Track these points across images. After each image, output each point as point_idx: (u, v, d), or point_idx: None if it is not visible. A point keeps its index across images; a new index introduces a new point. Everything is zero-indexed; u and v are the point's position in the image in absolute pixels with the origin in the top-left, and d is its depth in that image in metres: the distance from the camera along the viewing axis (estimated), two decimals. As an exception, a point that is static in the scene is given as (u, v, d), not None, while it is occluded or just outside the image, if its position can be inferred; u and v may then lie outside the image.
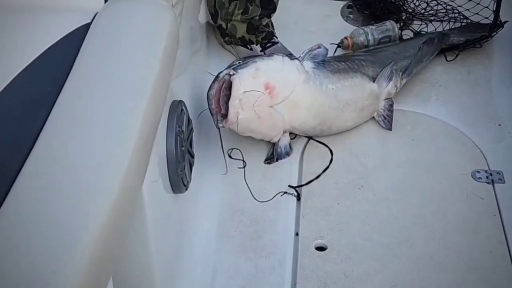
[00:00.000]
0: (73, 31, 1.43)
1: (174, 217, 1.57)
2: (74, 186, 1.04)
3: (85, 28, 1.43)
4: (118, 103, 1.22)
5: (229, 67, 1.79)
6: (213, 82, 1.76)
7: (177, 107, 1.54)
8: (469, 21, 2.32)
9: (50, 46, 1.38)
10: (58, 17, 1.50)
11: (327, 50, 1.92)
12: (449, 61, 2.20)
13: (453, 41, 2.20)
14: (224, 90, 1.74)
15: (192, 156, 1.64)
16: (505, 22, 2.20)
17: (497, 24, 2.16)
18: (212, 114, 1.76)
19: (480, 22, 2.27)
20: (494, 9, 2.13)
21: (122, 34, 1.39)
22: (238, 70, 1.75)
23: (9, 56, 1.38)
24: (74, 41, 1.39)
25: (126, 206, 1.11)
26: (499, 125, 1.98)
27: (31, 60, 1.34)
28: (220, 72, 1.77)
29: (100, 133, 1.15)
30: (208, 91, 1.75)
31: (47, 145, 1.11)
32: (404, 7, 2.41)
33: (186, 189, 1.58)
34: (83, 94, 1.24)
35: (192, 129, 1.65)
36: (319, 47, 1.91)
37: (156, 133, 1.38)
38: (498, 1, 2.10)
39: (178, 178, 1.51)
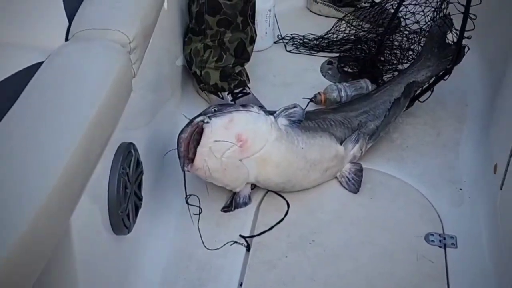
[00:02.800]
0: (27, 67, 1.47)
1: (113, 258, 1.58)
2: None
3: (38, 66, 1.47)
4: (49, 139, 1.25)
5: (204, 113, 1.81)
6: (186, 125, 1.77)
7: (125, 149, 1.57)
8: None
9: (2, 80, 1.43)
10: (17, 52, 1.54)
11: (303, 110, 1.92)
12: (422, 101, 2.21)
13: (419, 79, 2.17)
14: (195, 134, 1.76)
15: (140, 199, 1.65)
16: (465, 48, 2.14)
17: (460, 51, 2.12)
18: (179, 157, 1.77)
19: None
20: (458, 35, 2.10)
21: (68, 75, 1.43)
22: (212, 119, 1.77)
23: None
24: (24, 78, 1.42)
25: (42, 237, 1.12)
26: (460, 189, 1.98)
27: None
28: (195, 117, 1.78)
29: (26, 165, 1.18)
30: (180, 134, 1.76)
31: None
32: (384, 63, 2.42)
33: (129, 231, 1.59)
34: (17, 127, 1.27)
35: (142, 171, 1.67)
36: (295, 107, 1.91)
37: (99, 173, 1.41)
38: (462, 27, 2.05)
39: (119, 219, 1.52)
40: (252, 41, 2.21)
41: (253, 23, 2.20)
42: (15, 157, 1.20)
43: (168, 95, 2.13)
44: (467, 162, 2.08)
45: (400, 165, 2.06)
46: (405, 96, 2.10)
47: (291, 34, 2.61)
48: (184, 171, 1.78)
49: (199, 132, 1.76)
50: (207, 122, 1.76)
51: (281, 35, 2.60)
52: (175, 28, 2.21)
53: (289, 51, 2.56)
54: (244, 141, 1.77)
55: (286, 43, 2.58)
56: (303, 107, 1.99)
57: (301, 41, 2.59)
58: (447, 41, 2.18)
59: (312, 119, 1.98)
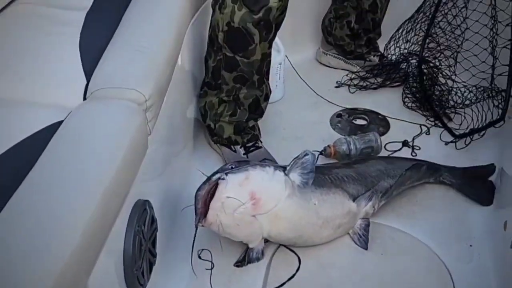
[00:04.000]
0: (46, 127, 1.50)
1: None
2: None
3: (58, 125, 1.50)
4: (68, 199, 1.27)
5: (221, 170, 1.83)
6: (204, 183, 1.79)
7: (140, 207, 1.59)
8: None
9: (21, 141, 1.46)
10: (37, 111, 1.58)
11: (314, 156, 1.92)
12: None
13: (443, 180, 2.20)
14: (212, 192, 1.77)
15: (154, 256, 1.67)
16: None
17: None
18: (196, 214, 1.78)
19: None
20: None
21: (87, 135, 1.46)
22: (229, 175, 1.79)
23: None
24: (45, 137, 1.45)
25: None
26: (470, 245, 1.99)
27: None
28: (212, 175, 1.80)
29: (45, 225, 1.20)
30: (197, 191, 1.77)
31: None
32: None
33: (143, 288, 1.61)
34: (38, 187, 1.29)
35: (156, 228, 1.69)
36: (306, 154, 1.91)
37: (115, 231, 1.43)
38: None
39: (134, 276, 1.53)
40: (267, 98, 2.25)
41: (268, 79, 2.23)
42: (35, 217, 1.23)
43: (181, 148, 2.16)
44: (477, 218, 2.08)
45: (410, 221, 2.07)
46: (427, 168, 2.16)
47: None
48: (196, 227, 1.79)
49: (216, 188, 1.78)
50: (223, 179, 1.78)
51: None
52: (189, 81, 2.25)
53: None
54: (258, 199, 1.79)
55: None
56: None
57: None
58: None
59: (325, 174, 1.99)
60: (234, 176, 1.79)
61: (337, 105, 2.58)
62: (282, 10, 2.08)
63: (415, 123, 2.50)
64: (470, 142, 2.34)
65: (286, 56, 2.61)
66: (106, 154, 1.41)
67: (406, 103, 2.57)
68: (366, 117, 2.54)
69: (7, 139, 1.45)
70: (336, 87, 2.67)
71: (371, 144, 2.31)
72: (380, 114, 2.55)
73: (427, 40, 2.46)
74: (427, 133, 2.46)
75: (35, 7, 2.01)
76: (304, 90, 2.66)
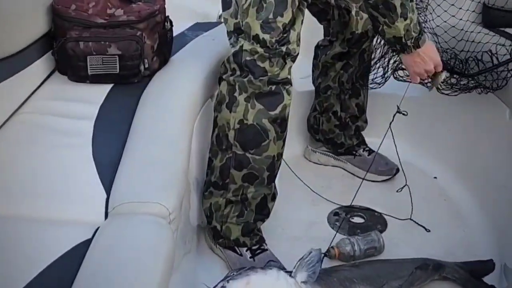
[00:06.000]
0: (73, 248, 1.47)
1: None
2: None
3: (86, 244, 1.47)
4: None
5: (224, 279, 1.81)
6: None
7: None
8: None
9: (51, 263, 1.42)
10: (60, 230, 1.55)
11: (319, 250, 1.91)
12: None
13: (447, 275, 2.21)
14: None
15: None
16: None
17: None
18: None
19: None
20: None
21: (119, 256, 1.44)
22: (230, 281, 1.77)
23: (14, 269, 1.41)
24: (74, 259, 1.42)
25: None
26: None
27: (31, 278, 1.36)
28: (216, 285, 1.78)
29: None
30: None
31: None
32: None
33: None
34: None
35: None
36: (310, 252, 1.90)
37: None
38: None
39: None
40: (274, 198, 2.25)
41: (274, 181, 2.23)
42: None
43: (187, 254, 2.12)
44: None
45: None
46: (433, 268, 2.16)
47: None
48: None
49: None
50: (224, 287, 1.75)
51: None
52: (193, 184, 2.23)
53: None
54: None
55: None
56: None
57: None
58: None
59: (333, 276, 1.98)
60: (236, 282, 1.77)
61: (333, 203, 2.59)
62: None
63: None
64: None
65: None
66: (141, 276, 1.39)
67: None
68: (363, 215, 2.55)
69: (37, 261, 1.41)
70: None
71: (374, 244, 2.31)
72: (376, 211, 2.56)
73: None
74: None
75: (39, 117, 2.00)
76: (298, 188, 2.67)
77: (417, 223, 2.50)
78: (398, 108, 2.33)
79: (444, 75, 2.37)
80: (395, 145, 2.49)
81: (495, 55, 2.42)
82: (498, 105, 2.50)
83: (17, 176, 1.71)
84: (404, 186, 2.54)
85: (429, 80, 2.38)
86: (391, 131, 2.36)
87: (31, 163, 1.76)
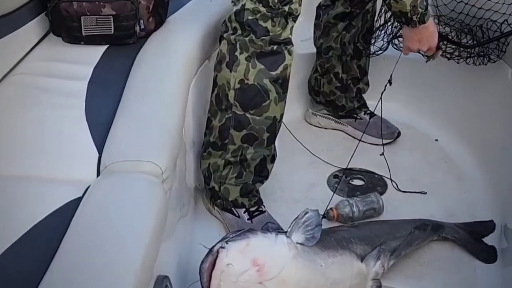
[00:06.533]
0: (63, 205, 1.46)
1: None
2: None
3: (76, 202, 1.45)
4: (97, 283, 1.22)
5: (222, 239, 1.79)
6: (206, 255, 1.75)
7: (162, 283, 1.54)
8: None
9: (41, 221, 1.41)
10: (52, 188, 1.53)
11: (316, 212, 1.89)
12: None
13: (447, 236, 2.20)
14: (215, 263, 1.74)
15: (174, 334, 1.62)
16: None
17: None
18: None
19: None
20: None
21: (110, 213, 1.42)
22: (229, 243, 1.75)
23: (5, 225, 1.40)
24: (65, 216, 1.41)
25: None
26: (483, 307, 1.98)
27: (20, 235, 1.36)
28: (214, 246, 1.76)
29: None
30: (201, 264, 1.73)
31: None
32: None
33: None
34: (64, 277, 1.24)
35: (176, 305, 1.64)
36: (306, 213, 1.88)
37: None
38: None
39: None
40: (273, 160, 2.22)
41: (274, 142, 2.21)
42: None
43: (183, 217, 2.11)
44: (486, 277, 2.08)
45: (420, 282, 2.05)
46: (432, 228, 2.15)
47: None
48: None
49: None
50: (223, 247, 1.74)
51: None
52: (189, 146, 2.22)
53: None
54: (261, 265, 1.75)
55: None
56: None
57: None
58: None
59: (330, 236, 1.97)
60: (235, 243, 1.76)
61: (333, 165, 2.57)
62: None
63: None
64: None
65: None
66: (132, 233, 1.37)
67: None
68: (363, 177, 2.53)
69: (27, 219, 1.40)
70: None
71: (373, 205, 2.30)
72: (376, 174, 2.54)
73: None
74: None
75: (32, 78, 1.98)
76: (298, 151, 2.65)
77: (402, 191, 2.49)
78: (390, 78, 2.32)
79: (439, 53, 2.37)
80: (381, 110, 2.46)
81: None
82: (501, 67, 2.46)
83: (9, 135, 1.69)
84: (382, 153, 2.57)
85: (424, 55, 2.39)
86: (381, 101, 2.37)
87: (23, 123, 1.74)
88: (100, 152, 1.64)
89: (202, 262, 1.73)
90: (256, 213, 2.21)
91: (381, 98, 2.36)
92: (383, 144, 2.63)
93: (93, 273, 1.25)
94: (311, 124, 2.89)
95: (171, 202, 1.84)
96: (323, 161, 2.60)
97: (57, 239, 1.34)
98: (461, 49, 2.47)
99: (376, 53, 2.69)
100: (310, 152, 2.63)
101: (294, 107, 2.88)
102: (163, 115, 1.81)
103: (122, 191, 1.49)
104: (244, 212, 2.21)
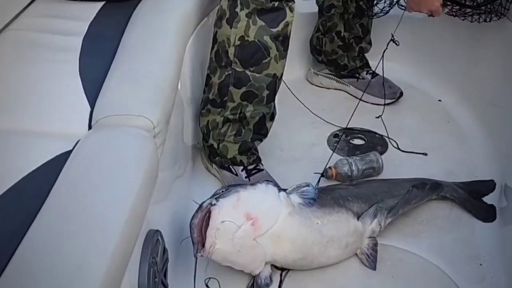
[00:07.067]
0: (53, 158, 1.45)
1: None
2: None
3: (66, 155, 1.45)
4: (87, 239, 1.22)
5: (213, 196, 1.79)
6: (197, 211, 1.75)
7: (152, 237, 1.54)
8: None
9: (29, 173, 1.40)
10: (42, 141, 1.53)
11: (316, 190, 1.89)
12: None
13: (445, 195, 2.18)
14: (206, 219, 1.73)
15: (166, 287, 1.62)
16: None
17: None
18: (193, 243, 1.74)
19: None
20: None
21: (99, 165, 1.41)
22: (220, 200, 1.75)
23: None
24: (53, 169, 1.40)
25: None
26: (480, 264, 1.96)
27: (8, 187, 1.35)
28: (204, 202, 1.76)
29: (61, 269, 1.14)
30: (191, 220, 1.74)
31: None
32: None
33: (156, 322, 1.55)
34: (51, 228, 1.24)
35: (167, 259, 1.64)
36: (307, 186, 1.89)
37: (129, 264, 1.37)
38: None
39: (148, 310, 1.48)
40: (272, 117, 2.21)
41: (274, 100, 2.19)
42: (49, 259, 1.17)
43: (181, 175, 2.11)
44: (484, 236, 2.06)
45: (418, 241, 2.04)
46: (430, 187, 2.13)
47: None
48: (196, 257, 1.74)
49: (209, 216, 1.73)
50: (214, 204, 1.74)
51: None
52: (187, 103, 2.20)
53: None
54: (255, 219, 1.75)
55: None
56: (315, 184, 1.99)
57: None
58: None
59: (328, 194, 1.97)
60: (225, 200, 1.76)
61: (334, 125, 2.55)
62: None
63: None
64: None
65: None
66: (121, 185, 1.37)
67: None
68: (364, 137, 2.51)
69: (15, 171, 1.40)
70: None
71: (373, 164, 2.28)
72: (377, 133, 2.52)
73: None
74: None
75: (28, 34, 1.96)
76: (299, 110, 2.62)
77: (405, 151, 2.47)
78: (392, 36, 2.28)
79: (442, 11, 2.32)
80: (383, 69, 2.41)
81: None
82: (504, 28, 2.42)
83: (1, 89, 1.68)
84: (379, 116, 2.54)
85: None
86: (383, 60, 2.33)
87: (16, 78, 1.73)
88: (92, 106, 1.63)
89: (192, 218, 1.74)
90: (254, 171, 2.21)
91: (382, 57, 2.33)
92: (385, 104, 2.61)
93: (79, 225, 1.24)
94: (313, 84, 2.87)
95: (167, 160, 1.83)
96: (324, 121, 2.58)
97: (45, 191, 1.33)
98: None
99: (378, 15, 2.65)
100: (311, 111, 2.60)
101: (296, 67, 2.86)
102: (157, 71, 1.79)
103: (111, 144, 1.48)
104: (242, 170, 2.20)
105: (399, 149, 2.45)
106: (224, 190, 1.81)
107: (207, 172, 2.31)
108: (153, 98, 1.67)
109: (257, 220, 1.76)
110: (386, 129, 2.49)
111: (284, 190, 1.88)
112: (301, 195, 1.87)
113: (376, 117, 2.54)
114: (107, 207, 1.29)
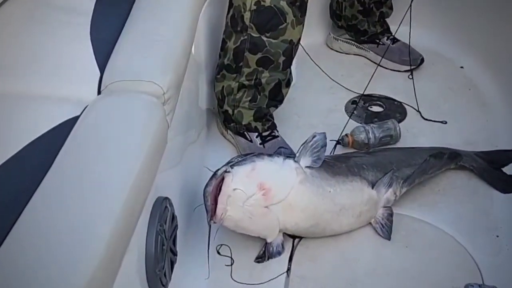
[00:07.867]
0: (62, 123, 1.43)
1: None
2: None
3: (73, 121, 1.43)
4: (91, 205, 1.20)
5: (228, 163, 1.77)
6: (211, 178, 1.73)
7: (161, 204, 1.52)
8: None
9: (36, 138, 1.39)
10: (51, 106, 1.51)
11: (323, 134, 1.84)
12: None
13: (464, 164, 2.13)
14: (220, 187, 1.72)
15: (175, 254, 1.61)
16: None
17: None
18: (207, 211, 1.73)
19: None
20: None
21: (107, 131, 1.39)
22: (234, 167, 1.73)
23: (3, 140, 1.39)
24: (61, 134, 1.38)
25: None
26: (497, 236, 1.93)
27: (13, 153, 1.34)
28: (218, 169, 1.74)
29: (67, 238, 1.13)
30: (205, 188, 1.73)
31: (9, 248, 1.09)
32: None
33: (165, 289, 1.54)
34: (58, 193, 1.23)
35: (176, 226, 1.62)
36: (314, 136, 1.84)
37: (136, 231, 1.36)
38: None
39: (156, 278, 1.47)
40: (288, 84, 2.17)
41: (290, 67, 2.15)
42: (60, 220, 1.16)
43: (195, 140, 2.09)
44: (502, 207, 2.03)
45: (433, 211, 2.01)
46: (449, 157, 2.09)
47: None
48: (210, 225, 1.73)
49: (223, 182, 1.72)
50: (229, 172, 1.72)
51: None
52: (201, 68, 2.17)
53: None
54: (268, 189, 1.73)
55: None
56: (330, 151, 1.94)
57: None
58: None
59: (342, 162, 1.94)
60: (240, 168, 1.73)
61: (352, 91, 2.50)
62: None
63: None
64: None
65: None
66: (128, 151, 1.35)
67: None
68: (382, 104, 2.47)
69: (23, 136, 1.38)
70: None
71: (390, 132, 2.24)
72: (396, 100, 2.48)
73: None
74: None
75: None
76: (317, 76, 2.58)
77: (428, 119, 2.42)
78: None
79: None
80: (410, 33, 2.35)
81: None
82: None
83: (12, 53, 1.66)
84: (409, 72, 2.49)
85: None
86: (410, 17, 2.26)
87: (26, 41, 1.70)
88: (102, 71, 1.60)
89: (206, 185, 1.72)
90: (269, 137, 2.18)
91: (410, 10, 2.25)
92: (411, 69, 2.54)
93: (85, 189, 1.23)
94: (332, 49, 2.81)
95: (179, 126, 1.81)
96: (342, 87, 2.53)
97: (51, 156, 1.31)
98: None
99: None
100: (329, 77, 2.56)
101: (315, 32, 2.81)
102: (170, 35, 1.75)
103: (119, 110, 1.46)
104: (257, 137, 2.18)
105: (420, 115, 2.40)
106: (239, 158, 1.78)
107: (222, 138, 2.28)
108: (164, 63, 1.64)
109: (270, 191, 1.74)
110: (415, 94, 2.43)
111: (293, 157, 1.84)
112: (311, 152, 1.82)
113: (409, 78, 2.50)
114: (112, 174, 1.28)
